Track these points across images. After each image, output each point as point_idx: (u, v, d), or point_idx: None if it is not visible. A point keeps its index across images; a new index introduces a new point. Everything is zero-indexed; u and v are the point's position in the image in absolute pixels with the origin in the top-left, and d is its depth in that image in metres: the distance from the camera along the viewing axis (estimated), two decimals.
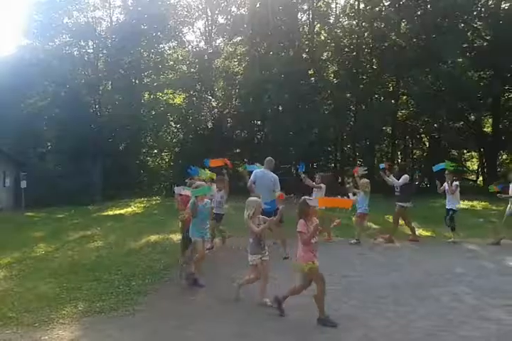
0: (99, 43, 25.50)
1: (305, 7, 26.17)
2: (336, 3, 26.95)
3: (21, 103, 22.73)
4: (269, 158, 8.88)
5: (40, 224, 13.95)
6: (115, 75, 25.28)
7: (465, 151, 26.68)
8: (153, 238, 10.34)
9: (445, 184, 9.77)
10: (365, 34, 24.90)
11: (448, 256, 8.46)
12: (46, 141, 23.95)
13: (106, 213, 15.75)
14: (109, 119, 24.15)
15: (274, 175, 8.55)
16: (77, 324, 5.23)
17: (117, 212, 16.06)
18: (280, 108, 24.60)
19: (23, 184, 17.21)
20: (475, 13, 22.85)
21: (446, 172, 9.84)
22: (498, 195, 9.81)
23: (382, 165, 10.29)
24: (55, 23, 24.19)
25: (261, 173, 8.62)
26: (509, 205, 9.53)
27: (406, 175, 9.87)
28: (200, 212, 6.46)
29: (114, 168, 21.67)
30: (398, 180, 9.72)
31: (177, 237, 10.31)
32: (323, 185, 9.68)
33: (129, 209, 16.75)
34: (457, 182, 9.73)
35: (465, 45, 22.43)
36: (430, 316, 5.24)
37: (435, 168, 9.47)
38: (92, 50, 25.82)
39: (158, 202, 19.72)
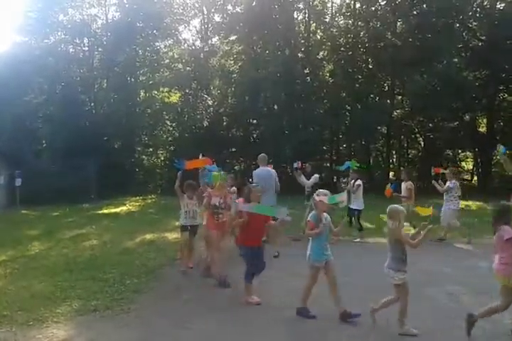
0: (95, 41, 25.39)
1: (301, 6, 26.15)
2: (332, 3, 26.99)
3: (16, 100, 22.61)
4: (263, 154, 8.80)
5: (34, 222, 13.91)
6: (110, 73, 25.18)
7: (460, 151, 26.75)
8: (148, 236, 10.34)
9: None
10: (361, 33, 24.92)
11: (443, 255, 8.50)
12: (41, 138, 23.84)
13: (101, 211, 15.72)
14: (104, 117, 24.07)
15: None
16: (72, 322, 5.23)
17: (112, 210, 16.04)
18: (276, 107, 24.60)
19: (18, 182, 17.13)
20: (470, 13, 22.91)
21: (351, 171, 9.89)
22: (394, 194, 10.02)
23: (295, 164, 10.45)
24: (50, 20, 24.07)
25: (266, 172, 8.44)
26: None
27: (316, 175, 10.00)
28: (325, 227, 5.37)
29: (109, 166, 21.57)
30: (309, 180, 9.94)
31: (172, 236, 10.32)
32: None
33: (124, 208, 16.74)
34: (360, 182, 9.71)
35: (460, 45, 22.51)
36: (425, 316, 5.26)
37: (342, 167, 9.36)
38: (87, 48, 25.71)
39: (154, 200, 19.71)
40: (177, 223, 8.74)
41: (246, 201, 5.90)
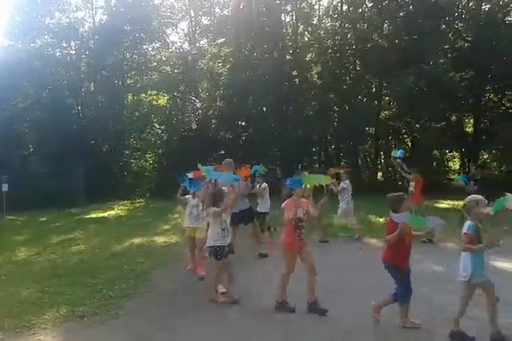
0: (82, 44, 25.22)
1: (288, 8, 26.23)
2: (319, 5, 27.10)
3: (2, 105, 22.40)
4: (229, 159, 8.55)
5: (21, 227, 13.78)
6: (98, 76, 25.03)
7: (447, 151, 26.95)
8: (136, 241, 10.28)
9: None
10: (348, 35, 25.06)
11: (433, 254, 8.55)
12: (28, 143, 23.61)
13: (89, 216, 15.61)
14: (91, 121, 23.92)
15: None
16: (60, 329, 5.19)
17: (100, 214, 15.93)
18: (264, 109, 24.64)
19: (5, 187, 16.94)
20: (456, 14, 23.14)
21: (257, 175, 9.82)
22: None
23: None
24: (36, 23, 23.87)
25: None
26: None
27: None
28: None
29: (97, 170, 21.42)
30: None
31: (161, 239, 10.28)
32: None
33: (113, 212, 16.63)
34: (264, 185, 9.54)
35: (446, 46, 22.72)
36: (417, 313, 5.28)
37: (252, 170, 9.14)
38: (74, 51, 25.52)
39: (142, 204, 19.63)
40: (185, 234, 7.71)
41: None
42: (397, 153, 10.29)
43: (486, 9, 23.02)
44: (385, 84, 24.68)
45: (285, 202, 5.56)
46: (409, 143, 26.73)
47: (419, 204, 9.92)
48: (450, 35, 23.34)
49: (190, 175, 7.22)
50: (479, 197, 4.76)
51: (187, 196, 7.26)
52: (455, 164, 29.10)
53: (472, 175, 10.26)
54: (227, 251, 5.91)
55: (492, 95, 24.32)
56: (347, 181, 10.07)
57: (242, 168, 7.39)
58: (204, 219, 6.98)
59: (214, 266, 6.09)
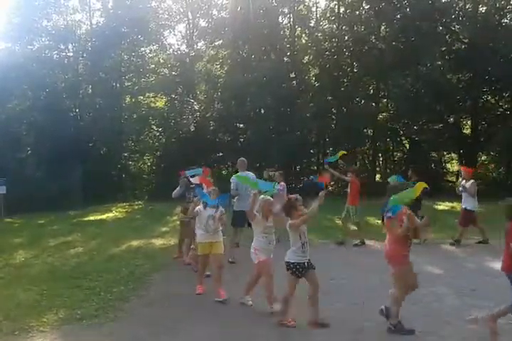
0: (79, 46, 25.20)
1: (286, 11, 26.28)
2: (317, 7, 27.14)
3: (0, 107, 22.41)
4: (242, 158, 8.86)
5: (19, 230, 13.73)
6: (95, 79, 24.99)
7: (445, 153, 26.99)
8: (135, 243, 10.27)
9: None
10: (346, 37, 25.07)
11: (430, 256, 8.56)
12: (25, 145, 23.55)
13: (87, 218, 15.58)
14: (89, 123, 23.90)
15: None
16: (58, 332, 5.18)
17: (98, 217, 15.91)
18: (262, 111, 24.63)
19: (2, 189, 16.92)
20: (453, 16, 23.19)
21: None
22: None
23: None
24: (33, 26, 23.84)
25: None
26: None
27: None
28: None
29: (95, 173, 21.40)
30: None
31: (159, 242, 10.27)
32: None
33: (111, 214, 16.60)
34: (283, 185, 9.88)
35: (444, 48, 22.76)
36: (412, 317, 5.29)
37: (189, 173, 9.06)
38: (71, 54, 25.49)
39: (141, 206, 19.60)
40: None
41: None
42: (329, 159, 10.42)
43: (483, 11, 23.08)
44: (382, 86, 24.70)
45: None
46: (407, 145, 26.77)
47: (355, 205, 9.96)
48: (447, 37, 23.40)
49: (193, 180, 7.19)
50: None
51: (198, 207, 6.44)
52: (453, 166, 29.15)
53: (409, 177, 10.27)
54: (307, 267, 5.23)
55: (489, 97, 24.36)
56: (282, 183, 10.03)
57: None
58: (220, 233, 6.48)
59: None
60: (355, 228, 10.25)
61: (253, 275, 5.93)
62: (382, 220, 5.20)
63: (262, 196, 5.72)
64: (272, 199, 5.85)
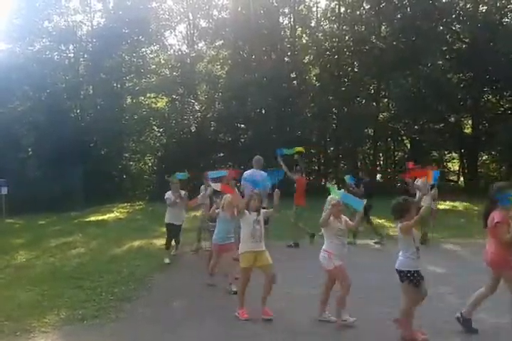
0: (80, 47, 25.24)
1: (286, 11, 26.33)
2: (317, 7, 27.20)
3: (0, 108, 22.41)
4: (258, 156, 8.84)
5: (20, 230, 13.74)
6: (96, 79, 25.01)
7: (446, 152, 27.00)
8: (136, 243, 10.27)
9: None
10: (346, 37, 25.12)
11: (430, 256, 8.54)
12: (26, 146, 23.53)
13: (88, 219, 15.59)
14: (90, 124, 23.90)
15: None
16: (59, 332, 5.17)
17: (100, 217, 15.91)
18: (263, 111, 24.65)
19: (4, 190, 16.94)
20: (454, 16, 23.21)
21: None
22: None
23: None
24: (34, 27, 23.88)
25: (257, 175, 8.31)
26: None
27: None
28: None
29: (96, 173, 21.42)
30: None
31: (160, 242, 10.25)
32: None
33: (112, 215, 16.61)
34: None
35: (444, 48, 22.79)
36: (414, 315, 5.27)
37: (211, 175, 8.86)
38: (72, 54, 25.54)
39: (141, 207, 19.60)
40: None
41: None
42: (282, 151, 10.18)
43: (483, 11, 23.11)
44: (383, 86, 24.72)
45: (498, 215, 4.69)
46: (408, 145, 26.78)
47: (301, 205, 9.73)
48: (448, 36, 23.42)
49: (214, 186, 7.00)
50: None
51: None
52: (454, 165, 29.14)
53: (361, 177, 10.24)
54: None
55: (490, 96, 24.37)
56: None
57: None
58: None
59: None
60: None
61: (327, 283, 5.35)
62: (485, 225, 4.86)
63: (331, 196, 5.29)
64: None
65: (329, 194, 5.28)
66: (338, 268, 5.12)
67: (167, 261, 8.34)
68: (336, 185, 5.43)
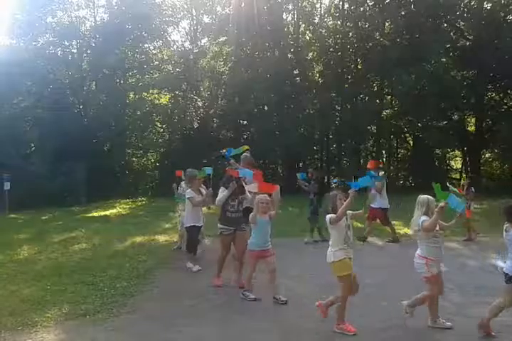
0: (83, 43, 25.25)
1: (290, 7, 26.25)
2: (321, 4, 27.11)
3: (4, 104, 22.45)
4: (245, 154, 8.63)
5: (23, 226, 13.81)
6: (99, 75, 25.04)
7: (449, 150, 26.93)
8: (138, 239, 10.29)
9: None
10: (350, 34, 25.02)
11: None
12: (29, 142, 23.64)
13: (91, 214, 15.64)
14: (93, 120, 23.95)
15: None
16: (62, 327, 5.20)
17: (102, 213, 15.96)
18: (266, 108, 24.63)
19: (7, 185, 17.01)
20: (458, 13, 23.09)
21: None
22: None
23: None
24: (38, 22, 23.89)
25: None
26: None
27: None
28: None
29: (99, 169, 21.47)
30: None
31: (162, 238, 10.29)
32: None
33: (114, 211, 16.66)
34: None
35: (448, 45, 22.64)
36: (415, 314, 5.28)
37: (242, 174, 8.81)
38: (75, 50, 25.54)
39: (144, 202, 19.65)
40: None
41: None
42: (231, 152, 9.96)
43: (488, 8, 22.97)
44: (386, 83, 24.64)
45: None
46: (411, 142, 26.73)
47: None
48: (452, 33, 23.31)
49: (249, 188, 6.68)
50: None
51: (329, 215, 4.93)
52: (457, 163, 29.08)
53: (310, 175, 10.19)
54: None
55: (494, 94, 24.26)
56: None
57: None
58: None
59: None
60: None
61: (430, 293, 5.00)
62: None
63: (426, 196, 5.02)
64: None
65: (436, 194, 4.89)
66: (436, 277, 4.92)
67: (195, 268, 7.39)
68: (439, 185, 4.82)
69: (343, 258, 4.85)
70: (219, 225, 6.60)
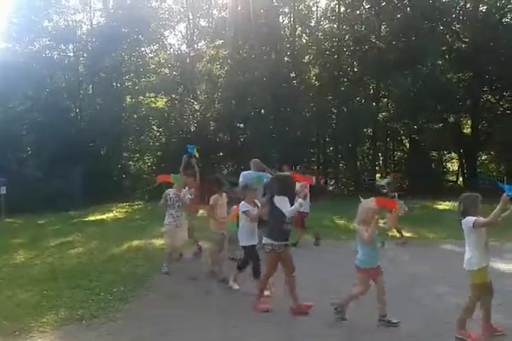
0: (80, 47, 25.24)
1: (286, 10, 26.34)
2: (317, 7, 27.20)
3: (0, 107, 22.40)
4: (255, 159, 8.88)
5: (19, 230, 13.72)
6: (96, 79, 25.04)
7: (445, 152, 27.01)
8: (135, 243, 10.25)
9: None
10: (346, 37, 25.11)
11: (430, 256, 8.56)
12: (26, 145, 23.55)
13: (87, 218, 15.57)
14: (90, 123, 23.90)
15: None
16: (58, 332, 5.17)
17: (99, 217, 15.89)
18: (262, 111, 24.67)
19: (3, 189, 16.89)
20: (454, 15, 23.25)
21: None
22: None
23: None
24: (34, 26, 23.87)
25: (254, 176, 8.31)
26: None
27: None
28: None
29: (96, 173, 21.41)
30: None
31: (159, 242, 10.25)
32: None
33: (111, 214, 16.58)
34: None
35: (444, 48, 22.79)
36: (413, 317, 5.28)
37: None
38: (72, 54, 25.54)
39: (141, 206, 19.59)
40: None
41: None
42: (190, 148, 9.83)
43: (483, 11, 23.12)
44: (382, 86, 24.74)
45: None
46: (408, 145, 26.78)
47: (193, 211, 8.97)
48: (448, 36, 23.44)
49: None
50: None
51: (475, 217, 4.63)
52: (453, 165, 29.15)
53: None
54: None
55: (490, 96, 24.38)
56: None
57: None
58: None
59: None
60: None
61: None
62: None
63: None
64: None
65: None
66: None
67: (236, 287, 6.59)
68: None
69: (484, 266, 4.69)
70: (269, 241, 5.52)
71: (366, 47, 24.09)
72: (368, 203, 5.08)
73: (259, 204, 6.27)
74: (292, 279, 5.55)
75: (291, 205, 5.51)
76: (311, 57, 26.17)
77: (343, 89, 24.46)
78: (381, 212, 5.17)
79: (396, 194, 9.71)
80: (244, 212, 6.18)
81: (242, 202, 6.28)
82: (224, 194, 7.52)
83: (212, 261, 7.38)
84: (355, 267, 5.16)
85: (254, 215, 6.12)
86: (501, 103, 24.37)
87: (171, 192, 7.66)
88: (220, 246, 7.30)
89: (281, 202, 5.47)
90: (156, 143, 26.37)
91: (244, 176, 8.67)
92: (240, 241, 6.40)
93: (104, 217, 15.95)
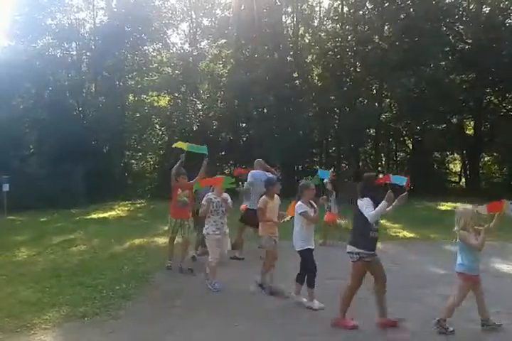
0: (83, 45, 25.21)
1: (289, 10, 26.30)
2: (320, 7, 27.19)
3: (3, 105, 22.37)
4: (259, 159, 8.95)
5: (22, 227, 13.75)
6: (99, 77, 25.05)
7: (448, 153, 26.99)
8: (137, 241, 10.27)
9: None
10: (349, 37, 25.07)
11: (433, 256, 8.55)
12: (28, 143, 23.57)
13: (89, 216, 15.60)
14: (92, 122, 23.91)
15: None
16: (60, 329, 5.19)
17: (101, 215, 15.92)
18: (265, 110, 24.64)
19: (5, 187, 16.93)
20: (457, 16, 23.20)
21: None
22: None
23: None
24: (37, 24, 23.83)
25: (263, 175, 8.33)
26: None
27: None
28: None
29: (98, 171, 21.40)
30: None
31: (162, 240, 10.28)
32: None
33: (113, 213, 16.62)
34: None
35: (447, 49, 22.75)
36: (414, 317, 5.28)
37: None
38: (75, 52, 25.50)
39: (143, 205, 19.62)
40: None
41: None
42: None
43: (487, 12, 23.09)
44: (385, 86, 24.69)
45: None
46: (410, 146, 26.77)
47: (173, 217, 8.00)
48: (451, 37, 23.40)
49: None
50: None
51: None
52: (456, 166, 29.14)
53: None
54: None
55: (493, 97, 24.35)
56: None
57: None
58: None
59: None
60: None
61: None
62: None
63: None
64: None
65: None
66: None
67: (317, 306, 5.77)
68: None
69: None
70: (356, 249, 5.07)
71: (369, 47, 24.04)
72: (469, 209, 5.09)
73: (315, 205, 5.95)
74: (383, 289, 5.13)
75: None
76: (314, 57, 26.13)
77: (345, 89, 24.44)
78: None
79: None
80: (301, 213, 5.75)
81: (299, 202, 5.83)
82: (276, 196, 6.62)
83: (263, 271, 6.52)
84: (457, 274, 5.00)
85: (314, 217, 5.82)
86: (504, 104, 24.35)
87: (211, 196, 6.75)
88: (273, 255, 6.48)
89: (365, 206, 5.03)
90: (159, 142, 26.40)
91: (253, 175, 8.69)
92: (294, 246, 5.91)
93: (106, 215, 15.99)
